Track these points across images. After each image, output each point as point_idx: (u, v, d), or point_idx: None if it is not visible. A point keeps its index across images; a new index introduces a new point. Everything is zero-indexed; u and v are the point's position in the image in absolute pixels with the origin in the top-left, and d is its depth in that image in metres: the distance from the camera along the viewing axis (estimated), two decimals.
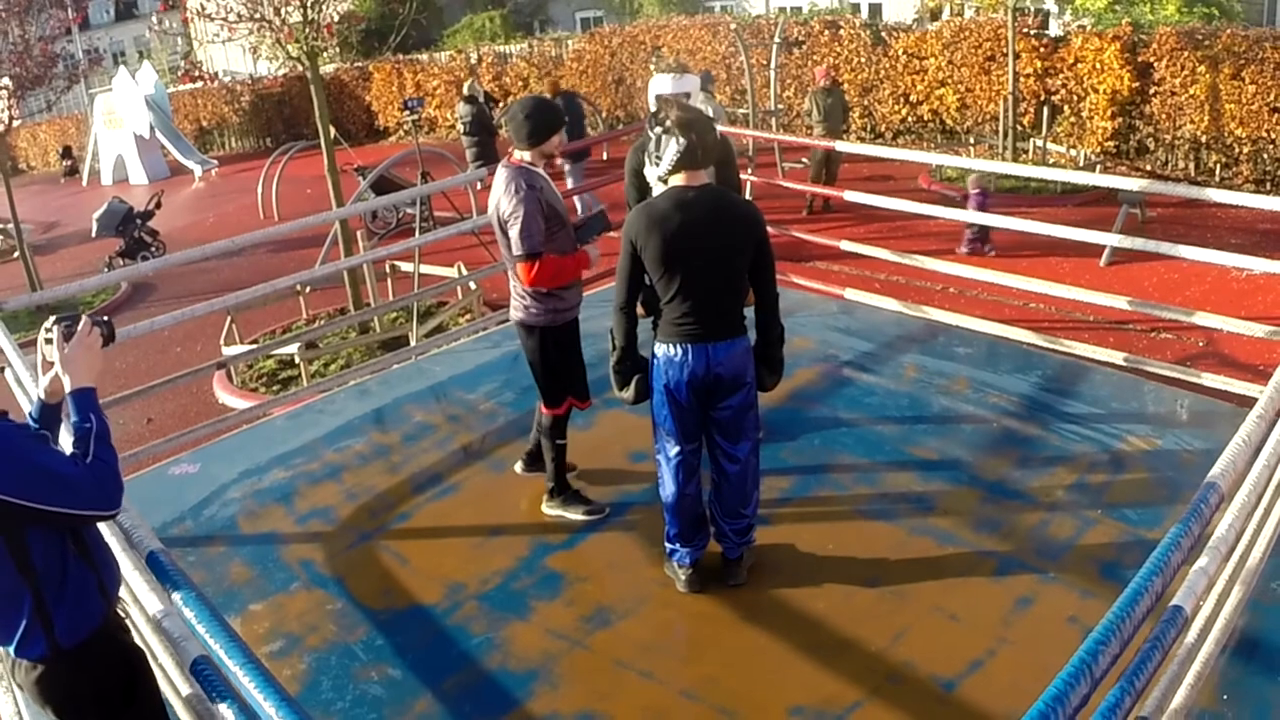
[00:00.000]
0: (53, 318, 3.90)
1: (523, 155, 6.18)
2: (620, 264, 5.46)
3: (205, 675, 3.57)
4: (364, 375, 9.41)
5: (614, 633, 5.56)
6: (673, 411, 5.51)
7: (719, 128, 8.31)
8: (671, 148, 5.29)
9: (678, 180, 5.37)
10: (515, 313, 6.43)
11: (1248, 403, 4.82)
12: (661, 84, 6.83)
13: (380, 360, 10.24)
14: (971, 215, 13.02)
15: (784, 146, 20.32)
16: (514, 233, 5.97)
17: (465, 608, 5.84)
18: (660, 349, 5.47)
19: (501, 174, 6.14)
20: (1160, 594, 3.14)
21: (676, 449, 5.59)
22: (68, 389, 3.78)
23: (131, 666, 3.94)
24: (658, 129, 5.41)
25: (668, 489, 5.68)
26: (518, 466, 7.06)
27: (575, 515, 6.55)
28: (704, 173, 5.42)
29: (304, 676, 5.41)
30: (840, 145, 12.78)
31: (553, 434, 6.49)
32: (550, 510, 6.61)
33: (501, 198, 6.06)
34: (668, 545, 5.83)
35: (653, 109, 7.03)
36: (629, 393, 5.66)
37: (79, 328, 3.85)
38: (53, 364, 3.88)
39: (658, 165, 5.41)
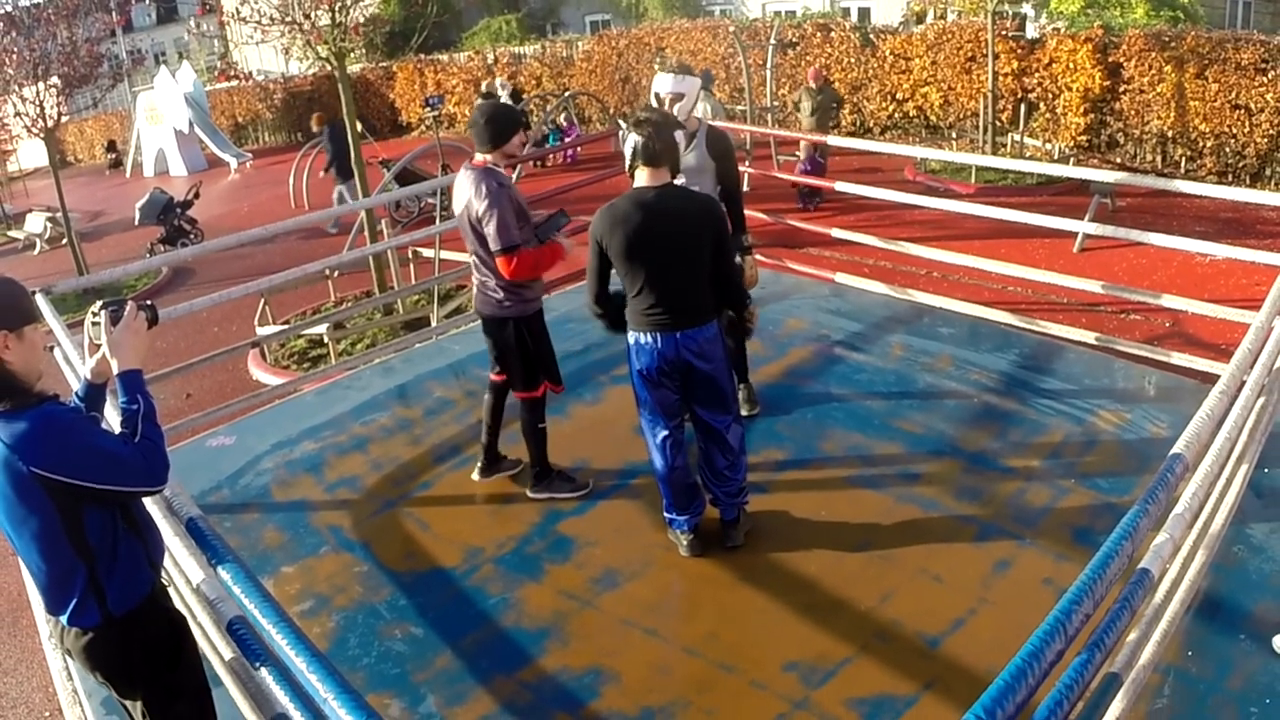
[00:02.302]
0: (99, 303, 3.85)
1: (485, 157, 6.13)
2: (589, 262, 5.54)
3: (240, 634, 3.57)
4: (388, 354, 9.39)
5: (621, 593, 5.57)
6: (651, 394, 5.57)
7: (718, 123, 8.29)
8: (629, 143, 5.37)
9: (642, 176, 5.40)
10: (484, 307, 6.37)
11: (1211, 379, 4.82)
12: (663, 82, 6.75)
13: (403, 340, 10.23)
14: (959, 205, 12.98)
15: (779, 140, 20.26)
16: (491, 230, 5.92)
17: (482, 570, 5.86)
18: (632, 337, 5.54)
19: (467, 176, 6.08)
20: (1130, 558, 3.13)
21: (660, 427, 5.64)
22: (115, 371, 3.75)
23: (176, 631, 3.94)
24: (622, 126, 5.51)
25: (657, 464, 5.73)
26: (475, 474, 6.85)
27: (562, 495, 6.53)
28: (665, 170, 5.42)
29: (332, 634, 5.42)
30: (831, 139, 12.71)
31: (532, 419, 6.46)
32: (536, 495, 6.55)
33: (472, 199, 6.00)
34: (666, 515, 5.88)
35: (651, 104, 7.02)
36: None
37: (125, 312, 3.81)
38: (99, 346, 3.85)
39: (625, 162, 5.47)
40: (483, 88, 26.40)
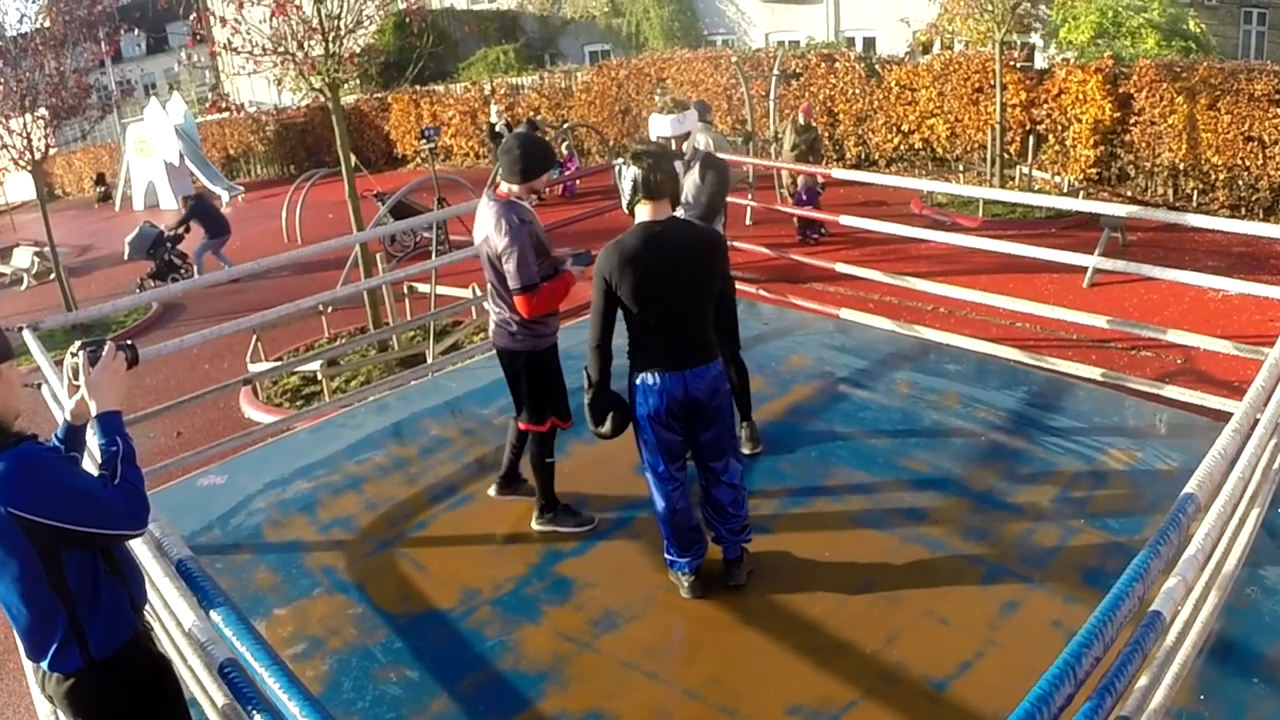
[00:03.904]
0: (78, 343, 3.87)
1: (510, 189, 6.11)
2: (594, 302, 5.47)
3: (233, 678, 3.57)
4: (383, 391, 9.42)
5: (621, 636, 5.56)
6: (656, 435, 5.53)
7: (724, 156, 8.32)
8: (627, 177, 5.35)
9: (643, 211, 5.38)
10: (499, 340, 6.39)
11: (1223, 417, 4.83)
12: (660, 125, 6.74)
13: (399, 377, 10.25)
14: (966, 240, 13.03)
15: (792, 173, 20.27)
16: (510, 268, 5.93)
17: (479, 612, 5.85)
18: (638, 378, 5.48)
19: (490, 208, 6.06)
20: (1141, 599, 3.15)
21: (663, 469, 5.61)
22: (94, 413, 3.77)
23: (160, 675, 3.95)
24: (618, 161, 5.48)
25: (659, 506, 5.71)
26: (492, 490, 6.96)
27: (566, 529, 6.55)
28: (667, 202, 5.43)
29: (326, 677, 5.41)
30: (836, 173, 12.78)
31: (540, 453, 6.49)
32: (540, 527, 6.58)
33: (492, 233, 5.99)
34: (667, 556, 5.87)
35: None
36: (605, 428, 5.65)
37: (104, 352, 3.82)
38: (78, 386, 3.85)
39: (624, 197, 5.45)
40: (529, 117, 26.73)
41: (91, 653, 3.66)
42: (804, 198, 18.07)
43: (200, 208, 22.25)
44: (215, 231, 21.88)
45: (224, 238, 21.97)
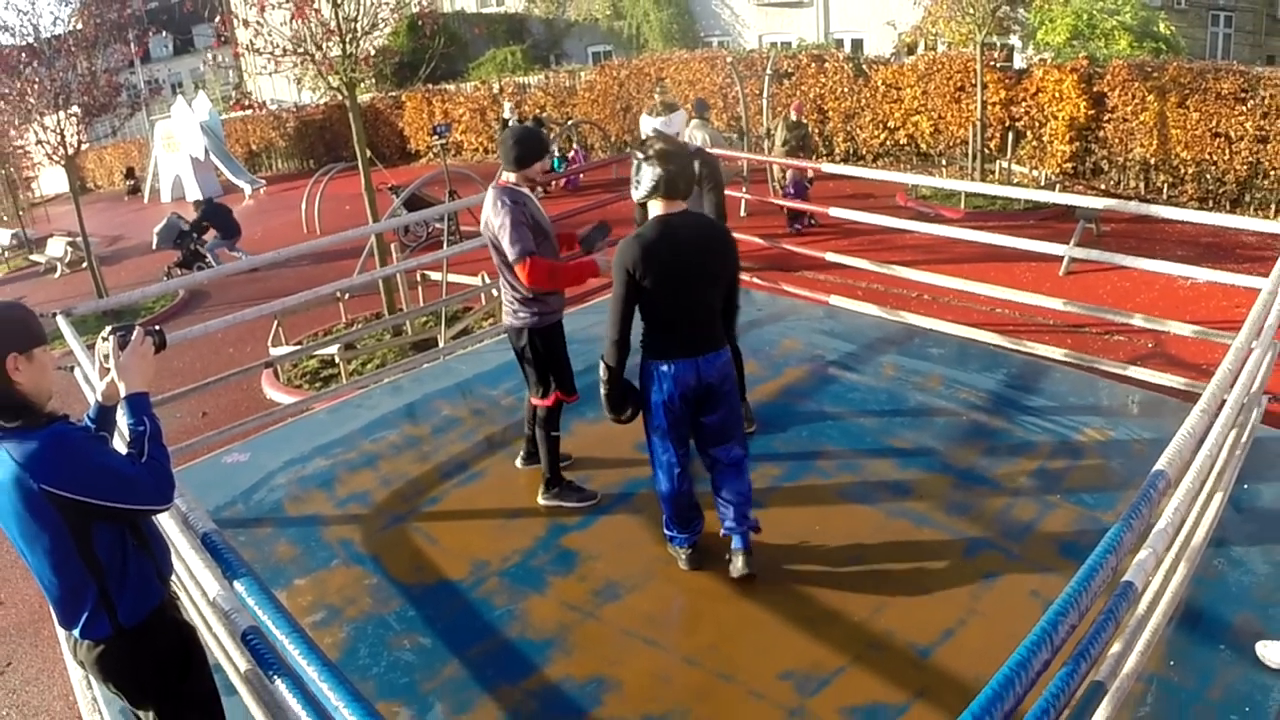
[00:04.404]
0: (108, 328, 3.88)
1: (509, 177, 6.26)
2: (615, 293, 5.39)
3: (255, 645, 3.58)
4: (397, 374, 9.40)
5: (622, 605, 5.57)
6: (667, 420, 5.46)
7: (717, 151, 8.30)
8: (648, 175, 5.26)
9: (656, 206, 5.33)
10: (506, 318, 6.48)
11: (1192, 398, 4.82)
12: (652, 124, 6.82)
13: (411, 360, 10.23)
14: (949, 230, 13.02)
15: (783, 168, 20.23)
16: (505, 240, 6.01)
17: (488, 583, 5.85)
18: (653, 365, 5.40)
19: (490, 194, 6.19)
20: (1114, 571, 3.14)
21: (670, 453, 5.56)
22: (123, 394, 3.77)
23: (185, 642, 3.95)
24: (639, 156, 5.37)
25: (663, 487, 5.68)
26: (518, 461, 7.10)
27: (570, 505, 6.57)
28: (681, 201, 5.34)
29: (343, 644, 5.42)
30: (826, 167, 12.75)
31: (546, 425, 6.51)
32: (546, 501, 6.61)
33: (489, 215, 6.13)
34: (666, 531, 5.87)
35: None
36: (624, 414, 5.59)
37: (133, 337, 3.83)
38: (109, 370, 3.86)
39: (636, 188, 5.36)
40: (536, 114, 26.73)
41: (121, 621, 3.66)
42: (791, 191, 18.06)
43: (211, 210, 22.26)
44: (227, 233, 21.92)
45: (235, 238, 22.01)
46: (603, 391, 5.51)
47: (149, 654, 3.77)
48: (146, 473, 3.57)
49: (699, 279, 5.28)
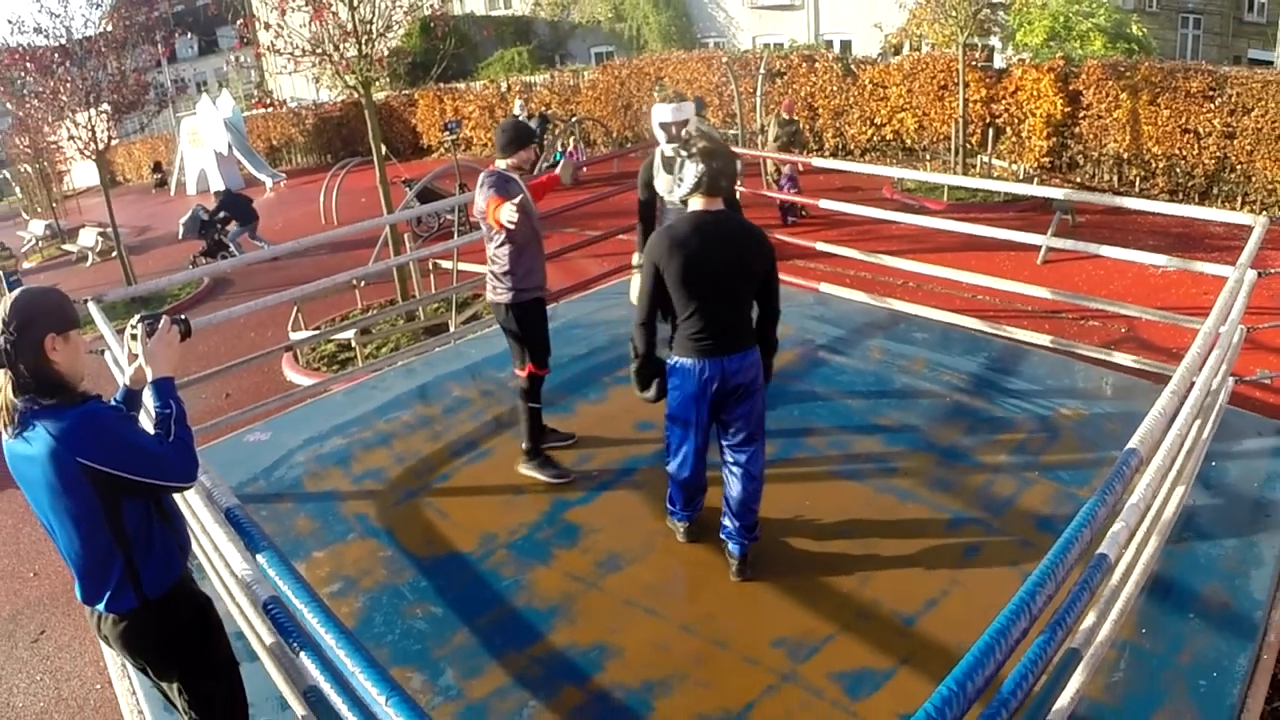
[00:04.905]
0: (137, 316, 3.89)
1: (499, 163, 6.41)
2: (643, 284, 5.15)
3: (275, 614, 3.59)
4: (410, 357, 9.39)
5: (623, 576, 5.57)
6: (690, 418, 5.25)
7: None
8: (691, 172, 5.01)
9: (696, 203, 5.07)
10: (490, 294, 6.54)
11: (1163, 380, 4.82)
12: (662, 112, 6.80)
13: (424, 344, 10.21)
14: (933, 221, 13.00)
15: (777, 162, 20.19)
16: (480, 201, 6.21)
17: (496, 555, 5.86)
18: (679, 362, 5.17)
19: (481, 178, 6.33)
20: (1089, 543, 3.14)
21: (688, 445, 5.36)
22: (150, 379, 3.78)
23: (204, 612, 3.96)
24: (683, 153, 5.16)
25: (675, 470, 5.50)
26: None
27: (545, 477, 6.63)
28: (719, 199, 5.10)
29: (359, 614, 5.43)
30: (816, 161, 12.72)
31: (525, 397, 6.60)
32: (525, 470, 6.67)
33: (478, 195, 6.29)
34: (669, 506, 5.80)
35: (656, 133, 7.02)
36: (650, 393, 5.37)
37: (160, 326, 3.84)
38: (137, 356, 3.88)
39: (679, 185, 5.17)
40: (542, 111, 26.72)
41: (146, 592, 3.67)
42: (784, 185, 18.02)
43: (229, 200, 22.22)
44: (244, 220, 21.90)
45: (254, 224, 22.01)
46: (632, 369, 5.39)
47: (172, 624, 3.78)
48: (173, 452, 3.58)
49: (728, 277, 5.03)
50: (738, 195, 7.22)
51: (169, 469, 3.55)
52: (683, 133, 6.84)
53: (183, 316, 4.08)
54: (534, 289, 6.49)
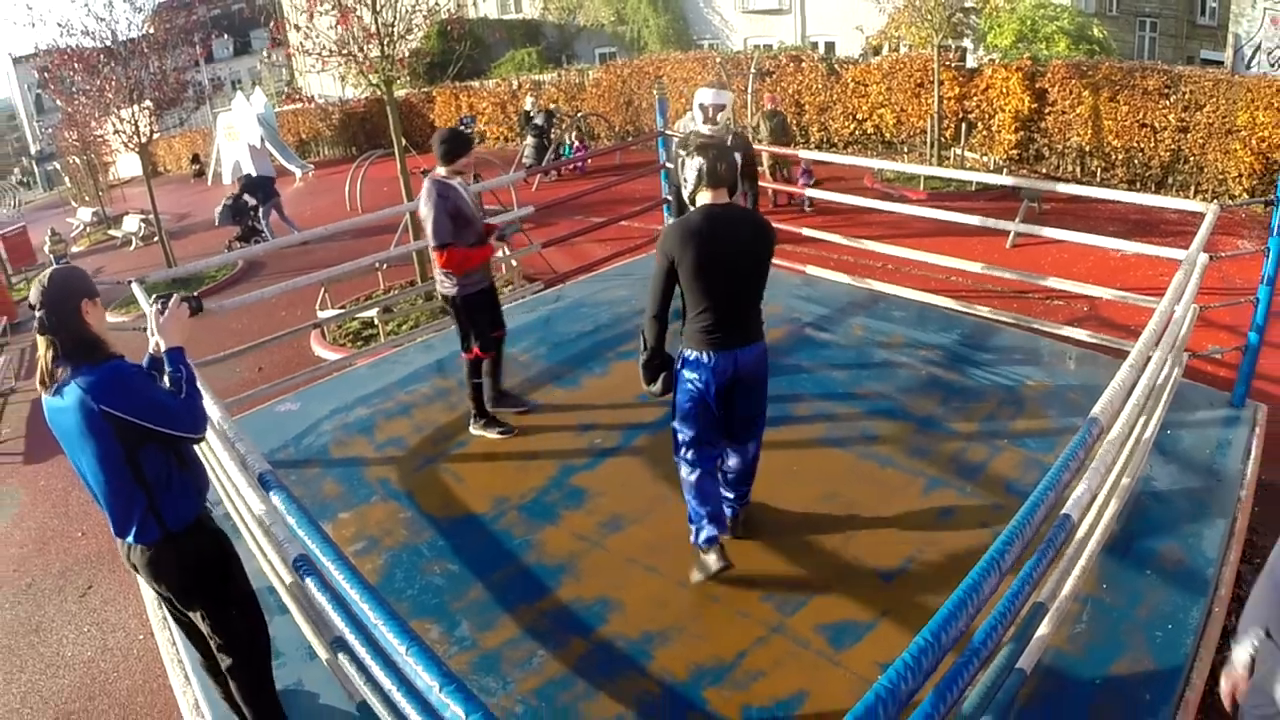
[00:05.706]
0: (155, 296, 4.27)
1: (439, 170, 6.46)
2: (655, 275, 4.80)
3: (304, 570, 3.61)
4: (429, 334, 9.36)
5: (625, 536, 5.57)
6: (699, 411, 4.91)
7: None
8: (691, 168, 4.78)
9: (704, 198, 4.77)
10: (439, 287, 6.73)
11: (1122, 355, 4.80)
12: (704, 94, 6.87)
13: (441, 322, 10.19)
14: (910, 209, 12.96)
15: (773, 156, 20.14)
16: (428, 229, 6.33)
17: (508, 516, 5.86)
18: (691, 354, 4.85)
19: (424, 185, 6.41)
20: (1053, 506, 3.13)
21: (698, 447, 5.00)
22: (164, 348, 4.07)
23: (221, 544, 4.17)
24: (681, 153, 4.95)
25: (693, 475, 5.04)
26: (486, 404, 7.12)
27: (491, 434, 6.88)
28: (726, 190, 4.80)
29: (382, 570, 5.43)
30: (802, 153, 12.66)
31: (470, 374, 6.88)
32: (474, 430, 6.92)
33: (421, 204, 6.38)
34: (692, 524, 5.15)
35: (695, 113, 7.11)
36: (656, 386, 5.00)
37: (170, 304, 4.17)
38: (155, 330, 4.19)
39: (685, 184, 4.86)
40: (548, 107, 26.56)
41: (168, 525, 3.91)
42: (800, 179, 18.12)
43: (250, 182, 22.47)
44: (265, 197, 21.95)
45: (276, 199, 22.19)
46: (641, 360, 5.01)
47: (193, 554, 4.01)
48: (184, 408, 3.87)
49: (739, 269, 4.77)
50: (758, 183, 7.27)
51: (180, 420, 3.83)
52: (718, 117, 7.04)
53: (194, 295, 4.46)
54: (478, 283, 6.70)
